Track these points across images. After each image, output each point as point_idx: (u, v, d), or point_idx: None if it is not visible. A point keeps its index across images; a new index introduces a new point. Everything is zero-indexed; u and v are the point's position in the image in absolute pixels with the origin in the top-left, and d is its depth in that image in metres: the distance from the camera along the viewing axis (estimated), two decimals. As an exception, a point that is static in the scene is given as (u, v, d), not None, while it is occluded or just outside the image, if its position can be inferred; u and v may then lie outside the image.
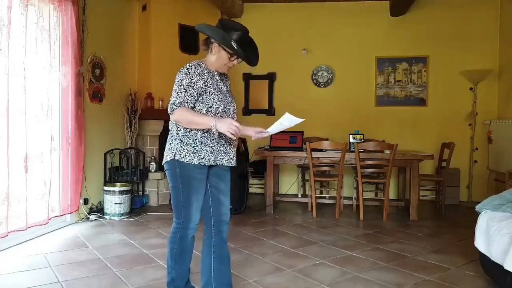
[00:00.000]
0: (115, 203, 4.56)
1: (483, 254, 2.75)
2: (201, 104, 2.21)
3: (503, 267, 2.46)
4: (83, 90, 4.40)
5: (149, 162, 5.36)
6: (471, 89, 5.87)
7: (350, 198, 5.51)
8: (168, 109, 2.18)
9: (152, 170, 5.34)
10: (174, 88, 2.21)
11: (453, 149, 4.86)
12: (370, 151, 4.78)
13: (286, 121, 2.21)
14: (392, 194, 5.73)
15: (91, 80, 4.62)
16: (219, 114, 2.23)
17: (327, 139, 5.33)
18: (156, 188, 5.36)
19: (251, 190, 5.51)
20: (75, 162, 4.19)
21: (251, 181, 5.85)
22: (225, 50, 2.24)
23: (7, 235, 3.31)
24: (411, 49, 6.08)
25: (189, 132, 2.23)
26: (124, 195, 4.61)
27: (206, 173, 2.28)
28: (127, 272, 2.93)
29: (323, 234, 4.07)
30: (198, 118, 2.15)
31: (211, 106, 2.21)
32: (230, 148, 2.31)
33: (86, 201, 4.54)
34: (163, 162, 2.30)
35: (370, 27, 6.17)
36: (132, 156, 5.12)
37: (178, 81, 2.22)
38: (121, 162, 5.05)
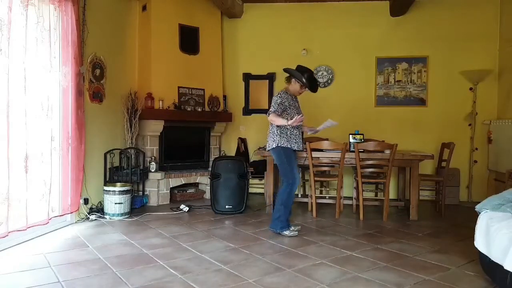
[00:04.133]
0: (115, 203, 4.56)
1: (483, 254, 2.75)
2: (286, 115, 3.94)
3: (503, 267, 2.46)
4: (83, 90, 4.39)
5: (149, 162, 5.36)
6: (471, 89, 5.88)
7: (350, 198, 5.51)
8: (267, 113, 3.95)
9: (152, 170, 5.34)
10: (272, 103, 3.98)
11: (453, 149, 4.86)
12: (370, 151, 4.78)
13: (329, 123, 4.14)
14: (392, 194, 5.73)
15: (91, 80, 4.62)
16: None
17: (327, 139, 5.33)
18: (156, 188, 5.36)
19: (251, 190, 5.51)
20: (75, 162, 4.19)
21: (251, 181, 5.85)
22: (298, 83, 4.04)
23: (7, 235, 3.30)
24: (411, 49, 6.09)
25: (283, 130, 3.97)
26: (124, 195, 4.61)
27: (294, 154, 4.08)
28: (127, 272, 2.93)
29: (323, 234, 4.08)
30: (280, 119, 3.88)
31: (292, 117, 3.87)
32: (300, 141, 4.10)
33: (86, 201, 4.55)
34: (269, 148, 4.07)
35: (370, 27, 6.18)
36: (132, 156, 5.12)
37: (275, 100, 3.97)
38: (121, 162, 5.05)
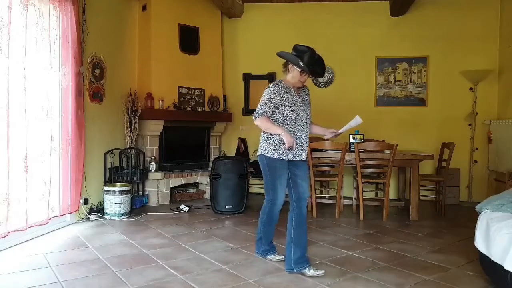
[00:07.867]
0: (115, 203, 4.55)
1: (483, 254, 2.75)
2: (278, 114, 3.00)
3: (503, 267, 2.46)
4: (83, 90, 4.39)
5: (149, 162, 5.36)
6: (471, 89, 5.88)
7: (350, 198, 5.51)
8: (253, 116, 3.02)
9: (152, 170, 5.34)
10: (260, 101, 3.02)
11: (453, 149, 4.86)
12: (370, 151, 4.78)
13: (353, 123, 3.13)
14: (392, 194, 5.73)
15: (91, 80, 4.62)
16: (292, 121, 3.01)
17: (327, 139, 5.33)
18: (156, 188, 5.36)
19: (251, 190, 5.51)
20: (75, 162, 4.19)
21: (251, 181, 5.84)
22: (296, 69, 2.98)
23: (7, 235, 3.30)
24: (411, 49, 6.08)
25: (271, 135, 3.01)
26: (124, 195, 4.61)
27: (286, 165, 3.04)
28: (127, 272, 2.93)
29: (323, 234, 4.07)
30: (272, 126, 2.96)
31: (286, 116, 3.00)
32: (302, 147, 3.06)
33: (86, 201, 4.54)
34: (257, 154, 3.17)
35: (370, 27, 6.17)
36: (132, 156, 5.12)
37: (263, 96, 3.03)
38: (121, 162, 5.05)
